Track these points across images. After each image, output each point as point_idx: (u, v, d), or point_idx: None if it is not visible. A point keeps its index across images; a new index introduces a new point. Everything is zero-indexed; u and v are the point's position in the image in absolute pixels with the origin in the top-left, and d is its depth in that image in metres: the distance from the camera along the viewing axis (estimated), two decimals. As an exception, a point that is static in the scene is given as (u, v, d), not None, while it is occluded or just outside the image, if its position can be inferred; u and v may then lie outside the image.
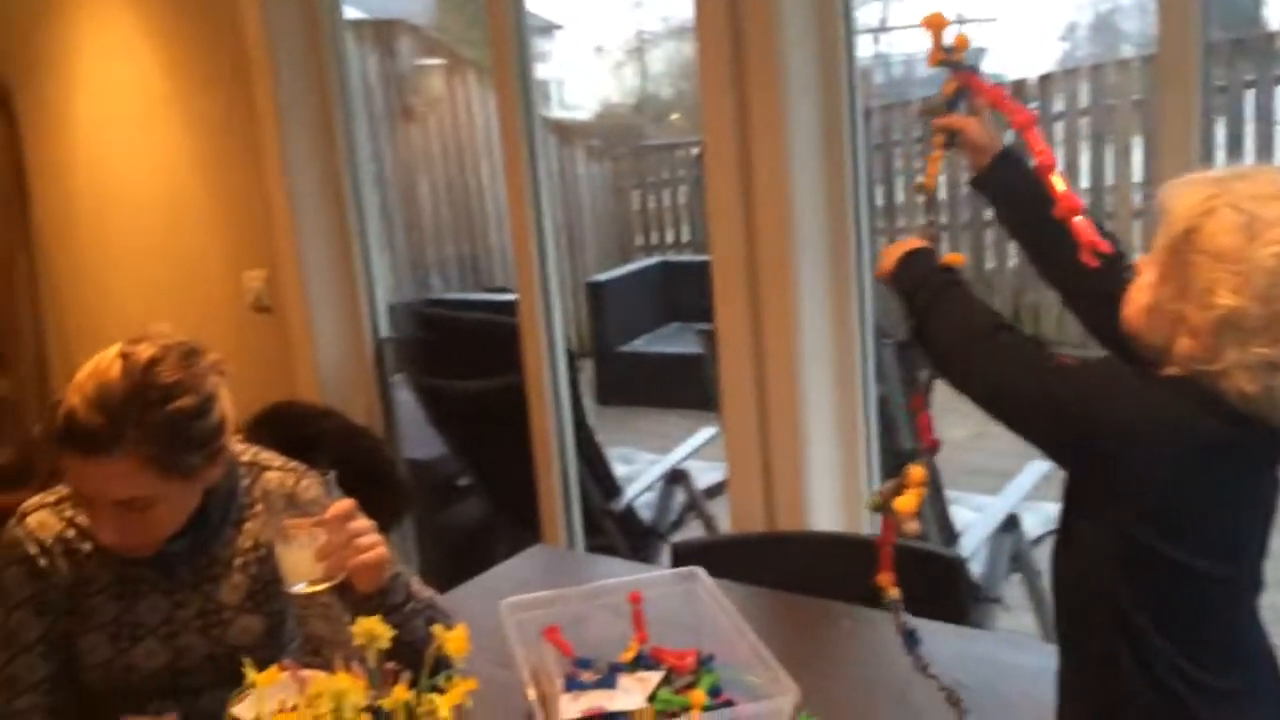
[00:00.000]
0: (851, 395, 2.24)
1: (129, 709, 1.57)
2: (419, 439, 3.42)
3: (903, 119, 6.84)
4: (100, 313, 3.70)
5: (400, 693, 1.11)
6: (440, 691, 1.11)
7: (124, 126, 3.45)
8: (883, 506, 1.34)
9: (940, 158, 1.42)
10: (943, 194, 6.26)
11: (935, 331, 1.25)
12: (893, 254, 1.34)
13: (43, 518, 1.55)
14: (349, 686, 1.02)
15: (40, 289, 3.88)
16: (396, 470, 3.10)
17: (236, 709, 1.34)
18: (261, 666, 1.52)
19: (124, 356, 1.42)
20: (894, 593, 1.38)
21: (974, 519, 2.82)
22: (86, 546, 1.55)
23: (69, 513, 1.56)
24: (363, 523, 1.45)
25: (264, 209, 3.08)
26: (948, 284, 1.27)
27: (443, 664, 1.17)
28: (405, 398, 3.37)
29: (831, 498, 2.25)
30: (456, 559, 3.45)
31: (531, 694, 1.36)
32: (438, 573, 3.33)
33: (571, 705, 1.40)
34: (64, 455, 1.41)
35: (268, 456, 1.68)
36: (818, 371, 2.19)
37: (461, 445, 3.46)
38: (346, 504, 1.44)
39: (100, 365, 1.42)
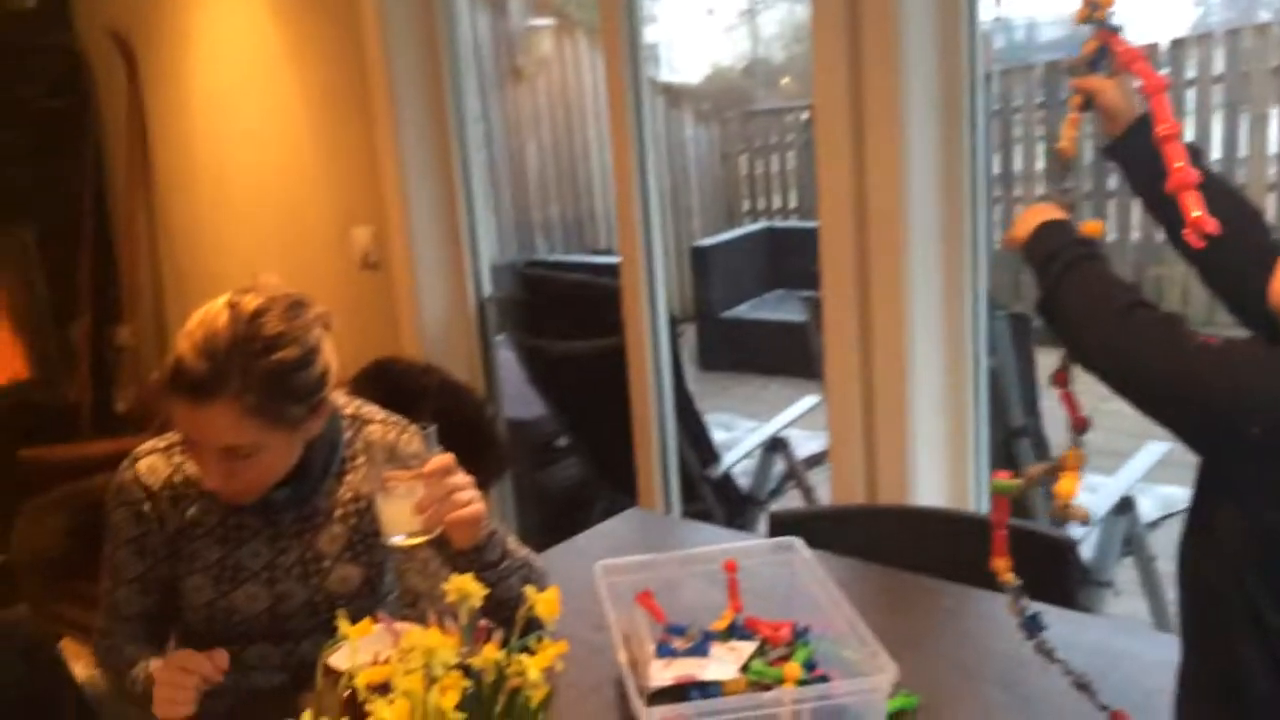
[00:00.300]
0: (961, 367, 2.17)
1: (233, 651, 1.61)
2: (519, 398, 3.43)
3: (1024, 84, 6.61)
4: (215, 265, 3.79)
5: (491, 652, 1.10)
6: (531, 653, 1.10)
7: (240, 84, 3.51)
8: (1024, 491, 1.28)
9: (1078, 121, 1.34)
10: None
11: (1066, 306, 1.18)
12: (1027, 222, 1.27)
13: (153, 463, 1.59)
14: (440, 643, 1.02)
15: (159, 241, 4.00)
16: (496, 428, 3.13)
17: (332, 658, 1.35)
18: (358, 616, 1.54)
19: (231, 306, 1.44)
20: (1010, 579, 1.32)
21: (1087, 500, 2.72)
22: (193, 492, 1.58)
23: (178, 458, 1.59)
24: (461, 478, 1.45)
25: (373, 166, 3.11)
26: (1083, 256, 1.20)
27: (535, 624, 1.16)
28: (507, 357, 3.39)
29: (937, 472, 2.18)
30: (553, 519, 3.48)
31: (622, 658, 1.35)
32: (534, 532, 3.35)
33: (662, 672, 1.38)
34: (173, 401, 1.44)
35: (370, 410, 1.69)
36: (926, 342, 2.13)
37: (561, 406, 3.47)
38: (445, 458, 1.44)
39: (209, 314, 1.44)
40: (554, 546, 2.00)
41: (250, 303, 1.45)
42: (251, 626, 1.58)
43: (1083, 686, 1.31)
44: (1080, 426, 1.28)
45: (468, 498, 1.44)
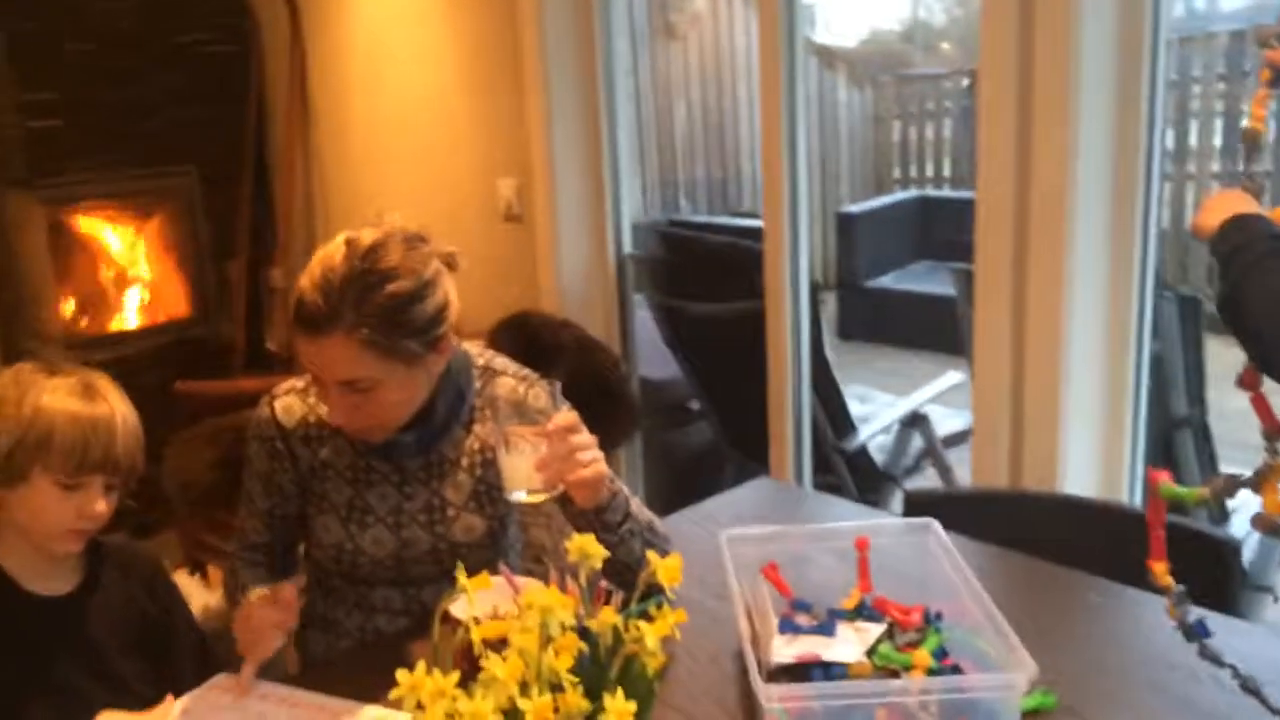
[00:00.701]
0: (1123, 350, 2.04)
1: (359, 593, 1.63)
2: (654, 358, 3.41)
3: (1205, 54, 6.22)
4: (366, 211, 3.85)
5: (608, 616, 1.07)
6: (649, 619, 1.07)
7: (396, 34, 3.55)
8: (1204, 503, 1.19)
9: (1267, 97, 1.22)
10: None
11: (1250, 302, 1.09)
12: (1215, 210, 1.17)
13: (289, 403, 1.62)
14: (558, 603, 0.99)
15: (313, 186, 4.09)
16: (629, 387, 3.11)
17: (452, 606, 1.35)
18: (481, 566, 1.54)
19: (348, 242, 1.45)
20: (1169, 583, 1.23)
21: (1250, 499, 2.55)
22: (326, 433, 1.60)
23: (313, 399, 1.61)
24: (585, 438, 1.42)
25: (520, 119, 3.11)
26: (1274, 251, 1.09)
27: (655, 590, 1.13)
28: (644, 317, 3.36)
29: (1088, 460, 2.07)
30: (681, 482, 3.45)
31: (744, 631, 1.31)
32: (661, 495, 3.34)
33: (784, 648, 1.33)
34: (296, 336, 1.45)
35: (502, 363, 1.68)
36: (1086, 322, 2.01)
37: (696, 368, 3.43)
38: (570, 417, 1.42)
39: (328, 250, 1.45)
40: (680, 511, 1.97)
41: (367, 237, 1.45)
42: (376, 570, 1.60)
43: (1252, 690, 1.21)
44: (1276, 432, 1.18)
45: (589, 458, 1.42)
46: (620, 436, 2.92)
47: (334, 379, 1.45)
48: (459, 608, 1.35)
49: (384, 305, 1.41)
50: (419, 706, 0.93)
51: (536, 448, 1.40)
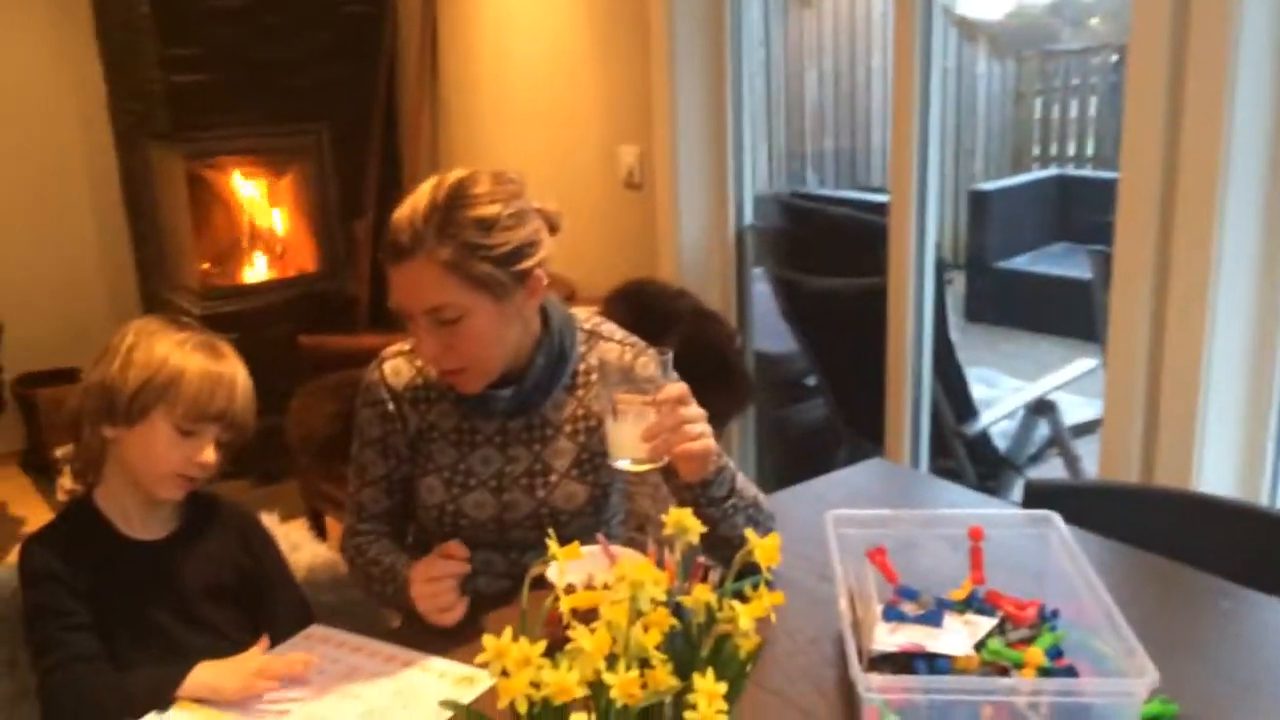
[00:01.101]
0: (1272, 342, 1.91)
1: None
2: (770, 332, 3.35)
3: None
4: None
5: (702, 594, 1.04)
6: (745, 600, 1.03)
7: (526, -4, 3.55)
8: None
9: None
10: None
11: None
12: None
13: (397, 365, 1.63)
14: (650, 576, 0.96)
15: (439, 146, 4.13)
16: (743, 360, 3.06)
17: (548, 570, 1.34)
18: (582, 532, 1.53)
19: (438, 178, 1.48)
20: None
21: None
22: (433, 394, 1.60)
23: (420, 361, 1.62)
24: (693, 410, 1.39)
25: (645, 87, 3.07)
26: None
27: (754, 569, 1.09)
28: (762, 290, 3.31)
29: (1227, 458, 1.95)
30: (793, 461, 3.40)
31: (845, 615, 1.26)
32: (773, 472, 3.29)
33: (888, 636, 1.28)
34: (387, 268, 1.47)
35: (610, 329, 1.66)
36: (1232, 313, 1.89)
37: (813, 344, 3.36)
38: (680, 388, 1.39)
39: (419, 189, 1.47)
40: (788, 488, 1.92)
41: (457, 174, 1.48)
42: (478, 533, 1.60)
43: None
44: None
45: (698, 431, 1.38)
46: (733, 409, 2.88)
47: (420, 307, 1.45)
48: (554, 572, 1.34)
49: (466, 227, 1.43)
50: (503, 674, 0.91)
51: (644, 416, 1.37)
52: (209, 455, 1.48)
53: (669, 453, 1.37)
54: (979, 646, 1.27)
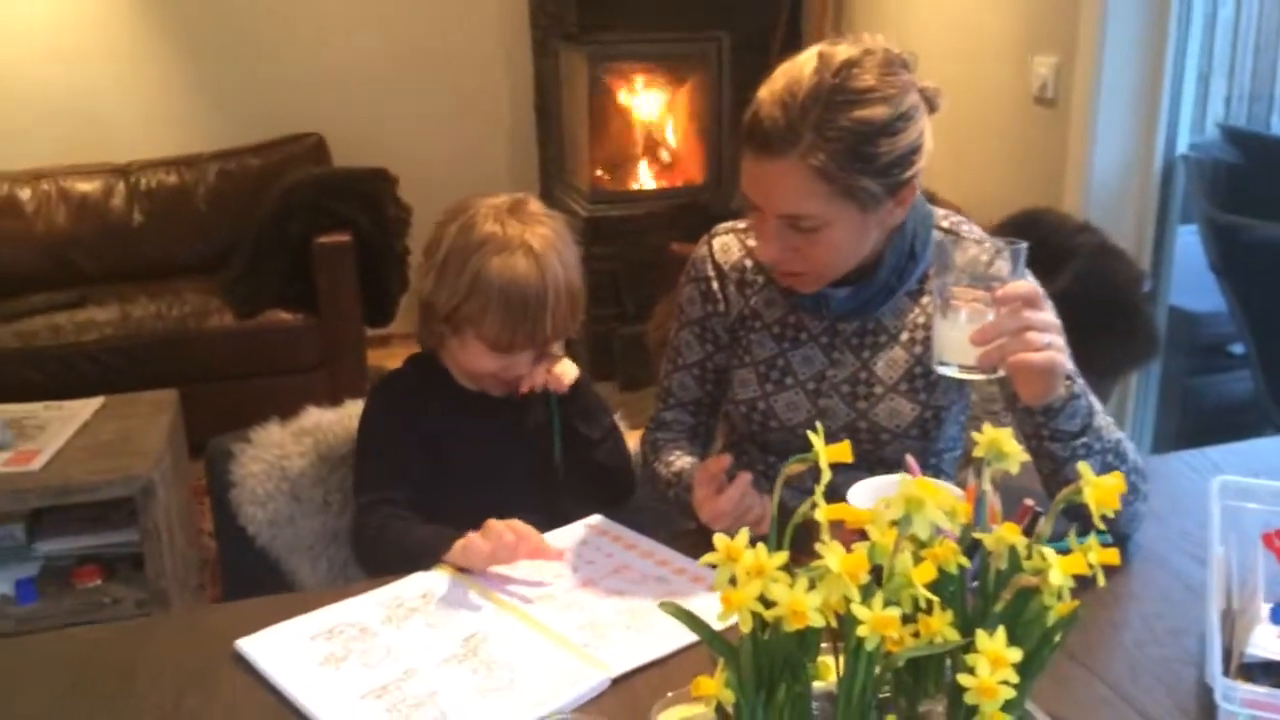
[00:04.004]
0: None
1: (768, 464, 1.48)
2: (1192, 286, 2.87)
3: None
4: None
5: (1009, 532, 0.81)
6: (1064, 552, 0.79)
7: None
8: None
9: None
10: None
11: None
12: None
13: (726, 242, 1.49)
14: (933, 495, 0.75)
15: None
16: (1150, 308, 2.63)
17: (851, 491, 1.15)
18: (901, 460, 1.32)
19: (820, 55, 1.24)
20: None
21: None
22: (760, 279, 1.45)
23: (752, 242, 1.47)
24: (1043, 316, 1.14)
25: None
26: None
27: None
28: (1187, 237, 2.83)
29: None
30: (1201, 438, 2.91)
31: (1216, 606, 0.97)
32: (1169, 440, 2.84)
33: (1270, 640, 0.98)
34: (743, 155, 1.28)
35: (971, 229, 1.41)
36: None
37: (1249, 305, 2.84)
38: (1028, 286, 1.14)
39: (796, 62, 1.26)
40: (1176, 451, 1.60)
41: (841, 53, 1.23)
42: (787, 436, 1.43)
43: None
44: None
45: (1044, 341, 1.13)
46: (1129, 362, 2.49)
47: (775, 211, 1.27)
48: (858, 494, 1.15)
49: (850, 131, 1.21)
50: (732, 582, 0.75)
51: (979, 315, 1.14)
52: (522, 369, 1.46)
53: (1003, 362, 1.13)
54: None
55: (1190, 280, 2.90)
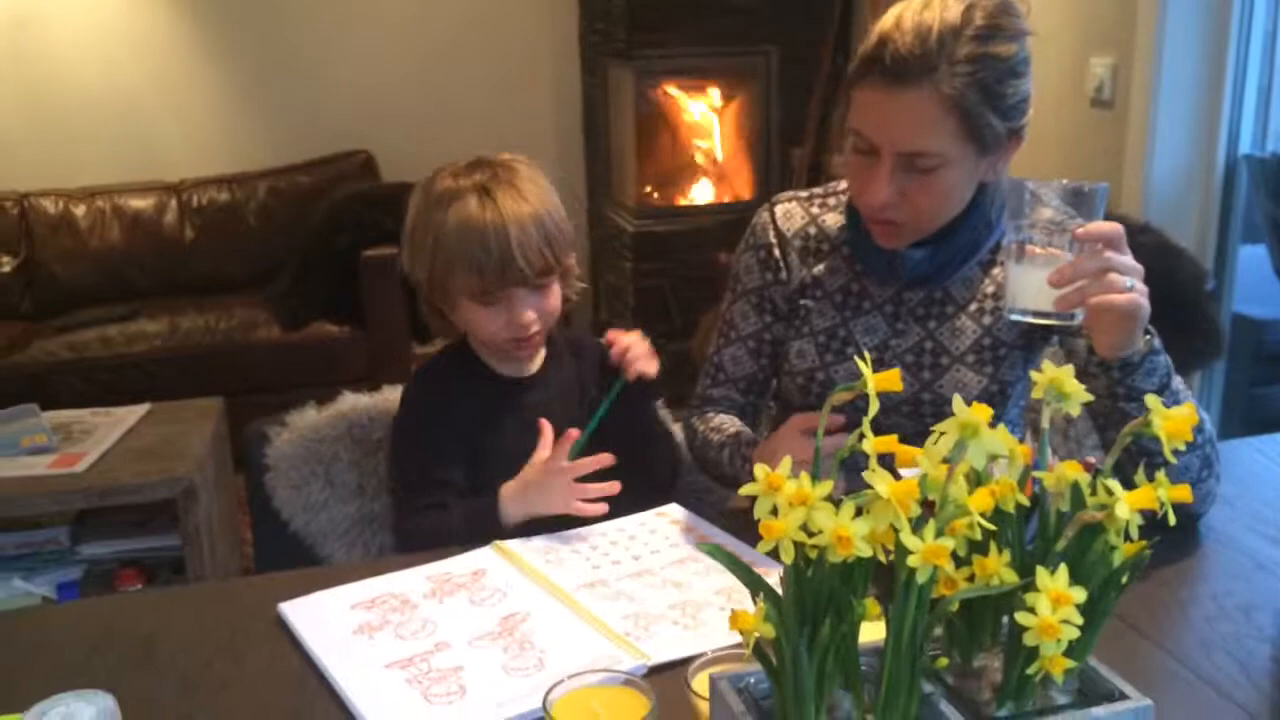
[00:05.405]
0: None
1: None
2: (1257, 292, 2.78)
3: None
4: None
5: (1070, 469, 0.76)
6: (1131, 487, 0.74)
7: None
8: None
9: None
10: None
11: None
12: None
13: (790, 209, 1.45)
14: (984, 426, 0.70)
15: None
16: (1214, 307, 2.54)
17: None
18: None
19: None
20: None
21: None
22: (824, 248, 1.41)
23: (816, 210, 1.44)
24: (1125, 259, 1.08)
25: (1129, -15, 2.63)
26: None
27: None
28: (1251, 249, 2.74)
29: None
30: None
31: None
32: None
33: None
34: (861, 90, 1.23)
35: (1050, 194, 1.36)
36: None
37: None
38: (1111, 226, 1.08)
39: None
40: (1253, 436, 1.55)
41: None
42: (845, 408, 1.37)
43: None
44: None
45: (1127, 284, 1.07)
46: (1192, 361, 2.39)
47: (897, 147, 1.21)
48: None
49: (985, 64, 1.17)
50: (773, 512, 0.70)
51: (1056, 260, 1.08)
52: (527, 315, 1.37)
53: (1082, 304, 1.07)
54: None
55: (1255, 289, 2.80)
